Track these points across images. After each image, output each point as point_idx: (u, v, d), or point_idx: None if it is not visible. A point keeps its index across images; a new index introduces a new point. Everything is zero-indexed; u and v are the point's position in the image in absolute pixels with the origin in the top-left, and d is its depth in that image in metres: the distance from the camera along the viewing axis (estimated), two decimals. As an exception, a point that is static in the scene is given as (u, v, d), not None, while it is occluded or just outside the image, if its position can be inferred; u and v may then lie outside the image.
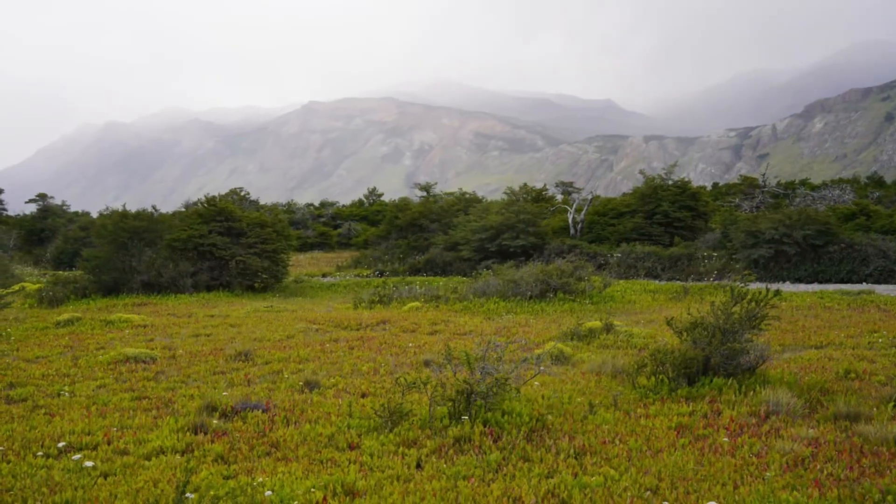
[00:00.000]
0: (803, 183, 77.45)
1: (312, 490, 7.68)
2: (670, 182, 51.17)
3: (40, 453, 9.04)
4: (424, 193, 76.89)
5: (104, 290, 32.57)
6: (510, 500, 7.48)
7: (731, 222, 42.48)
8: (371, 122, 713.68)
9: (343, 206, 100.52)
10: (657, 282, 35.03)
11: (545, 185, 75.64)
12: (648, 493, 7.65)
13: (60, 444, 9.34)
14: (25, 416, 10.88)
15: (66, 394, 12.49)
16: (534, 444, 9.30)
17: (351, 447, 9.36)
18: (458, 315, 24.13)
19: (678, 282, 33.77)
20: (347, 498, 7.58)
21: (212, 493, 7.60)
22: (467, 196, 69.30)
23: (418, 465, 8.67)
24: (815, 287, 30.87)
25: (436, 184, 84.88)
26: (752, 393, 11.33)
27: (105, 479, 8.20)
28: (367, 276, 45.38)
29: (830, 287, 30.42)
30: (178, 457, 8.96)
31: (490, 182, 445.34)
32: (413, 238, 55.20)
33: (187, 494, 7.53)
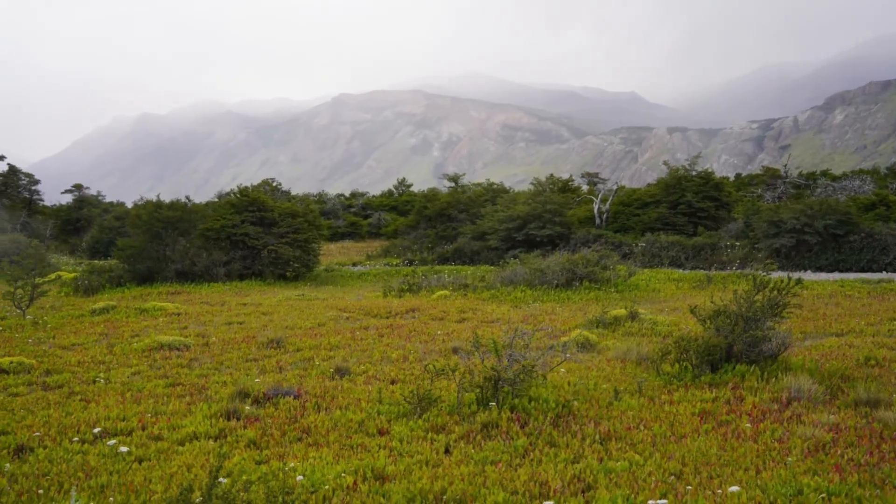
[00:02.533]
0: (824, 174, 76.90)
1: (343, 475, 7.83)
2: (694, 173, 51.15)
3: (76, 439, 9.24)
4: (452, 184, 76.92)
5: (139, 279, 33.02)
6: (537, 484, 7.60)
7: (754, 212, 42.33)
8: (400, 114, 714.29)
9: (373, 196, 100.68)
10: (681, 271, 34.99)
11: (571, 175, 75.69)
12: (672, 477, 7.76)
13: (96, 430, 9.54)
14: (61, 403, 11.11)
15: (102, 380, 12.73)
16: (560, 430, 9.42)
17: (381, 433, 9.52)
18: (485, 303, 24.25)
19: (702, 271, 33.76)
20: (377, 482, 7.72)
21: (244, 477, 7.76)
22: (495, 187, 69.31)
23: (447, 451, 8.81)
24: (836, 276, 30.78)
25: (464, 175, 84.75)
26: (774, 379, 11.40)
27: (140, 463, 8.40)
28: (396, 265, 45.58)
29: (851, 276, 30.32)
30: (211, 442, 9.14)
31: (517, 173, 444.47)
32: (441, 228, 55.32)
33: (220, 479, 7.70)
